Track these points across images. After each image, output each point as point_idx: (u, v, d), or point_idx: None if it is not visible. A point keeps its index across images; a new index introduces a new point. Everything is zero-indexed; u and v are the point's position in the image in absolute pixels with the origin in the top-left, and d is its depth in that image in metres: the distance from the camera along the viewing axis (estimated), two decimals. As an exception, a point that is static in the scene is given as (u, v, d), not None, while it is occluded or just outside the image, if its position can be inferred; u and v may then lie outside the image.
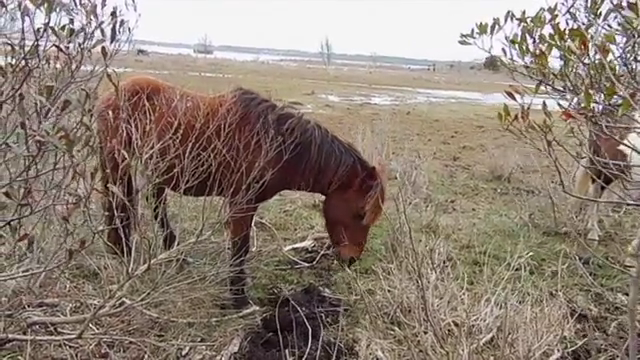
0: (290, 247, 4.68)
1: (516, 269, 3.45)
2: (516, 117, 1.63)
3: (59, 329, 3.02)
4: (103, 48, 1.70)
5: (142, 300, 2.68)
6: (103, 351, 2.97)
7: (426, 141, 11.51)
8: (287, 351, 3.11)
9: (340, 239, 3.46)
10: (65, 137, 1.39)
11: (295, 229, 5.18)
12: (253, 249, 4.38)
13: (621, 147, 4.91)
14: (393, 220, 4.25)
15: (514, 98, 1.60)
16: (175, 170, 2.79)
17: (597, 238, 5.38)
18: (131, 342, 2.96)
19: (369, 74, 46.29)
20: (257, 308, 3.54)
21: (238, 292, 3.58)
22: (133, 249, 2.70)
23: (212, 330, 3.23)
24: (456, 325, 3.29)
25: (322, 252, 4.52)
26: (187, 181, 2.90)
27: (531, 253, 4.25)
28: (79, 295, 3.49)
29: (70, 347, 2.93)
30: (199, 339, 3.11)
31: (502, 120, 1.66)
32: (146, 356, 2.91)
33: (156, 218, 3.60)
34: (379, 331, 3.23)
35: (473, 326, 3.25)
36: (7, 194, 1.46)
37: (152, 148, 2.74)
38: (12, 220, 1.56)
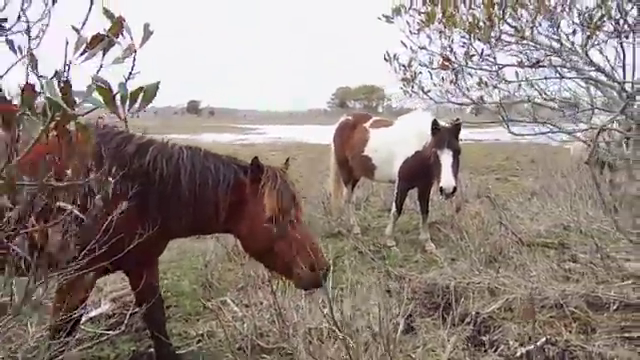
0: (84, 319, 3.73)
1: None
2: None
3: None
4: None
5: None
6: None
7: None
8: None
9: (288, 265, 2.70)
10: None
11: (80, 297, 4.16)
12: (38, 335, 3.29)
13: (365, 152, 6.08)
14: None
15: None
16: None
17: (359, 231, 6.41)
18: None
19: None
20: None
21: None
22: None
23: None
24: (311, 330, 3.36)
25: (130, 311, 3.79)
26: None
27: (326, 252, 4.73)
28: None
29: None
30: None
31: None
32: None
33: None
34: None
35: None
36: None
37: None
38: None
